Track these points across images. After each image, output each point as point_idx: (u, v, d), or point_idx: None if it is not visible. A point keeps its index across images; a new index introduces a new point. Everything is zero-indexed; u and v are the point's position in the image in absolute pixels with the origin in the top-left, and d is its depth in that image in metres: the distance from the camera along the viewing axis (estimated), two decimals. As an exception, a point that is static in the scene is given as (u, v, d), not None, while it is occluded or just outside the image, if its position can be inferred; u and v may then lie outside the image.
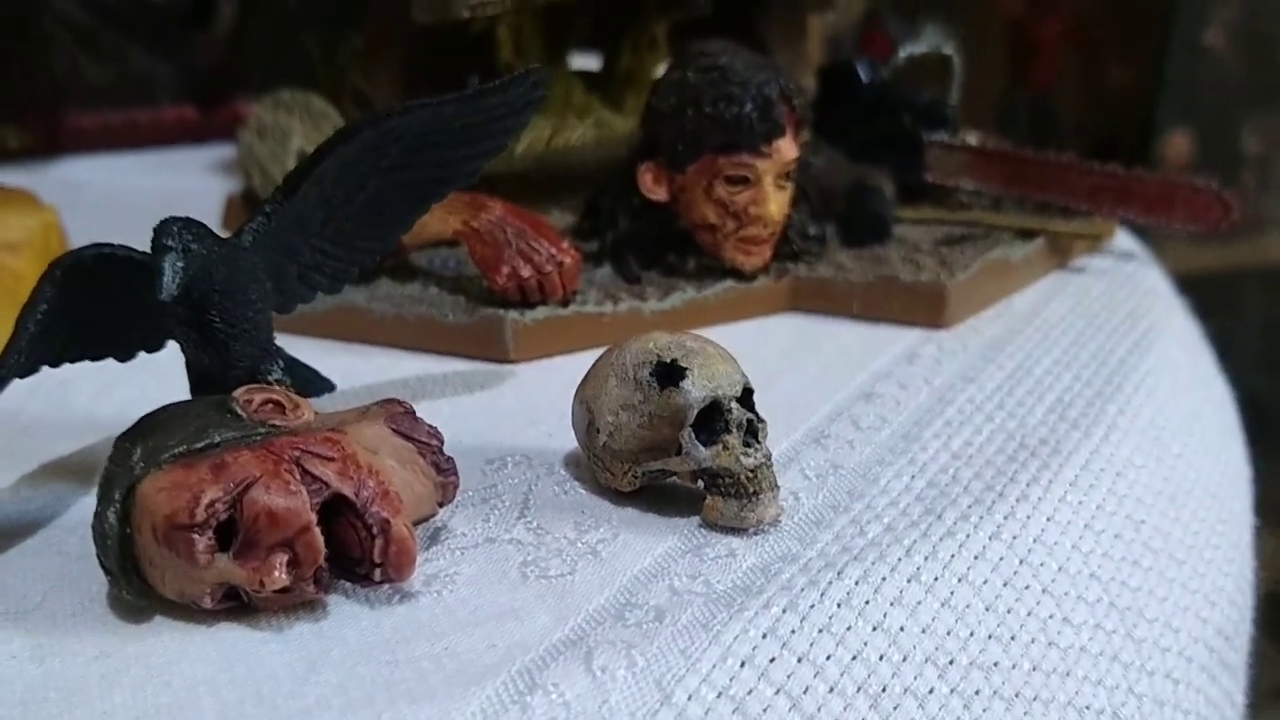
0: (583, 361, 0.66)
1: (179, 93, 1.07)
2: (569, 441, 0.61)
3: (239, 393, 0.51)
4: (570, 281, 0.70)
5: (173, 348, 0.58)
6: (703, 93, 0.71)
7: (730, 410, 0.54)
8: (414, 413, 0.53)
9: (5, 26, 1.01)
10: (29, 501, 0.58)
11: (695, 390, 0.54)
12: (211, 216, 0.94)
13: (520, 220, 0.71)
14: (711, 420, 0.54)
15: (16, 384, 0.54)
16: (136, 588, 0.48)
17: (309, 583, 0.48)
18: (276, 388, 0.52)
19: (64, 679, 0.46)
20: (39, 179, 0.89)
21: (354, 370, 0.70)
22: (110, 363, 0.59)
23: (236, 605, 0.49)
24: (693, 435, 0.53)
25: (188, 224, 0.51)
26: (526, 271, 0.69)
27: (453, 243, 0.74)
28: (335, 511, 0.49)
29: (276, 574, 0.47)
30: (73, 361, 0.57)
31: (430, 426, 0.53)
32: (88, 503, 0.56)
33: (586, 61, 1.07)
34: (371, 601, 0.50)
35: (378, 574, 0.49)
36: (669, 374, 0.54)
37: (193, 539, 0.47)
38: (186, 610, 0.49)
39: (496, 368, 0.70)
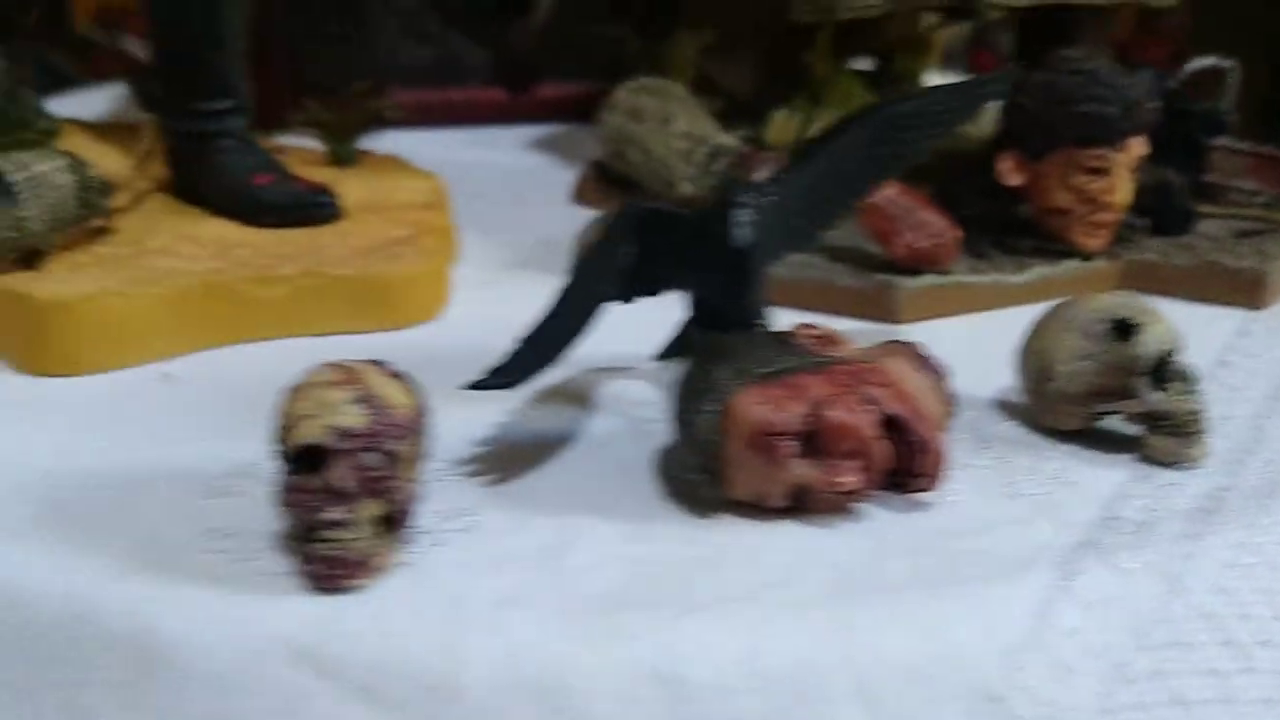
0: (958, 324, 0.76)
1: (490, 75, 1.16)
2: (988, 388, 0.70)
3: (795, 327, 0.61)
4: (953, 253, 0.80)
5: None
6: (1073, 92, 0.80)
7: (1174, 362, 0.64)
8: (926, 352, 0.62)
9: (340, 11, 1.11)
10: (557, 419, 0.67)
11: (1150, 344, 0.63)
12: (554, 190, 1.04)
13: (909, 197, 0.80)
14: (1156, 370, 0.64)
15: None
16: (718, 486, 0.58)
17: (870, 487, 0.58)
18: (820, 325, 0.61)
19: (663, 559, 0.56)
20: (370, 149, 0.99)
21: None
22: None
23: (792, 508, 0.59)
24: (1147, 382, 0.63)
25: (748, 183, 0.61)
26: (922, 242, 0.79)
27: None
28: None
29: (847, 478, 0.57)
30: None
31: (938, 362, 0.62)
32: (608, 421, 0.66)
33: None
34: (898, 508, 0.60)
35: (917, 484, 0.59)
36: (1124, 329, 0.64)
37: (779, 444, 0.56)
38: (750, 509, 0.59)
39: (889, 328, 0.80)
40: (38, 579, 0.53)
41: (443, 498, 0.59)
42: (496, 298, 0.82)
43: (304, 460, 0.54)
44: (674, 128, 0.88)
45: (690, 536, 0.57)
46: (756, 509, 0.59)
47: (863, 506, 0.60)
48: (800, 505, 0.58)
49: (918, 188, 0.83)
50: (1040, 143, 0.82)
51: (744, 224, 0.60)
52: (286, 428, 0.54)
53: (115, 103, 1.17)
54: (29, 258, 0.74)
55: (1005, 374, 0.71)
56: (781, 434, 0.56)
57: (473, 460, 0.63)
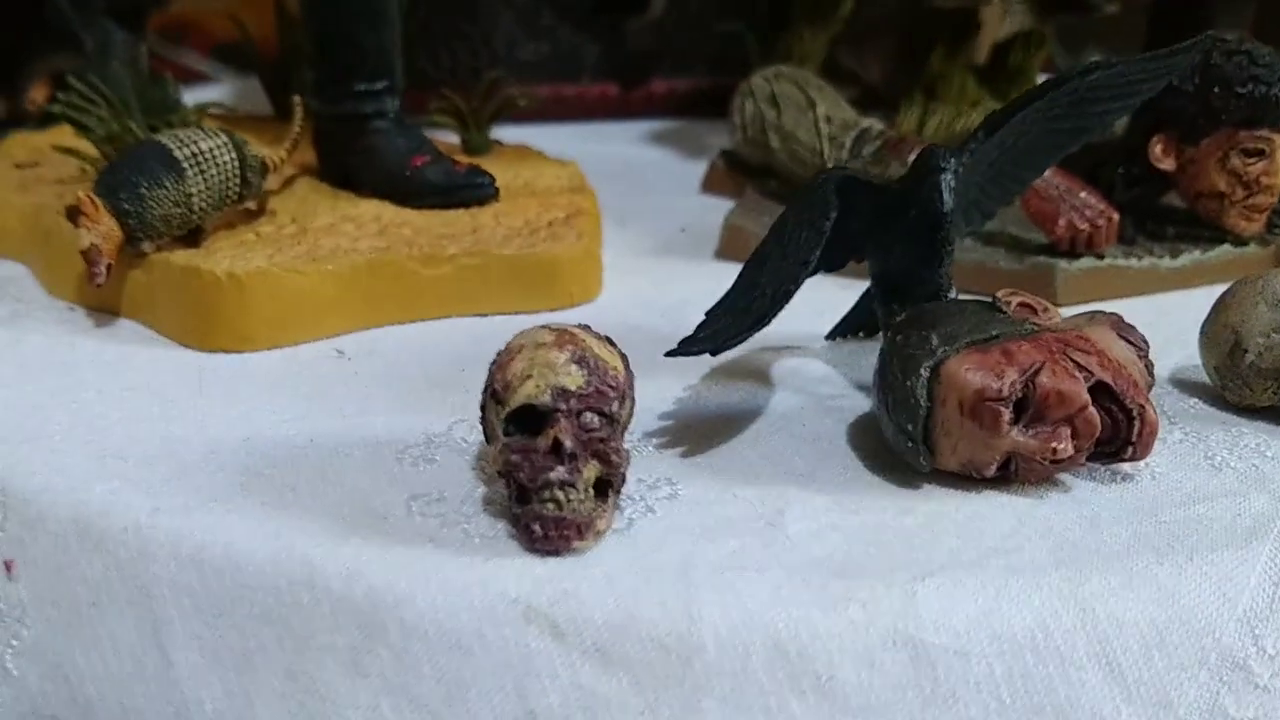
0: (1114, 309, 0.75)
1: (603, 70, 1.16)
2: (1160, 368, 0.69)
3: (1001, 294, 0.60)
4: (1112, 236, 0.79)
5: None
6: (1231, 74, 0.80)
7: (1370, 335, 0.63)
8: (1128, 323, 0.61)
9: (457, 6, 1.11)
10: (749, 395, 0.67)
11: (1349, 316, 0.62)
12: (681, 181, 1.04)
13: (1067, 178, 0.79)
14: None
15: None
16: (929, 456, 0.57)
17: (1082, 454, 0.57)
18: (1024, 293, 0.61)
19: (881, 528, 0.55)
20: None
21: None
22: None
23: (998, 478, 0.58)
24: (1345, 355, 0.62)
25: (947, 150, 0.60)
26: (1082, 224, 0.78)
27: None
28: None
29: (1062, 445, 0.56)
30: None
31: (1140, 334, 0.61)
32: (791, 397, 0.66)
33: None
34: (1103, 479, 0.59)
35: (1129, 452, 0.58)
36: (1321, 302, 0.63)
37: (999, 410, 0.55)
38: (957, 479, 0.58)
39: (1049, 310, 0.79)
40: (254, 545, 0.53)
41: (641, 467, 0.59)
42: (648, 282, 0.82)
43: (521, 421, 0.53)
44: (818, 112, 0.87)
45: (904, 506, 0.57)
46: (963, 479, 0.58)
47: (1067, 477, 0.59)
48: (1008, 475, 0.58)
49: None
50: (1198, 126, 0.82)
51: (946, 189, 0.59)
52: (504, 388, 0.54)
53: (235, 99, 1.18)
54: (191, 235, 0.74)
55: (1172, 355, 0.71)
56: (998, 400, 0.56)
57: (663, 432, 0.62)
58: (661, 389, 0.66)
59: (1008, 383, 0.56)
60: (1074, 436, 0.56)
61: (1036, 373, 0.56)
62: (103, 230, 0.71)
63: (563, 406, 0.52)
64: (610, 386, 0.54)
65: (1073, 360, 0.57)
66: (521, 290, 0.75)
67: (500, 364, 0.55)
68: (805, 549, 0.53)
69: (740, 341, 0.59)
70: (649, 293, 0.80)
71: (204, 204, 0.74)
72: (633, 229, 0.90)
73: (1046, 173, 0.79)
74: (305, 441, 0.61)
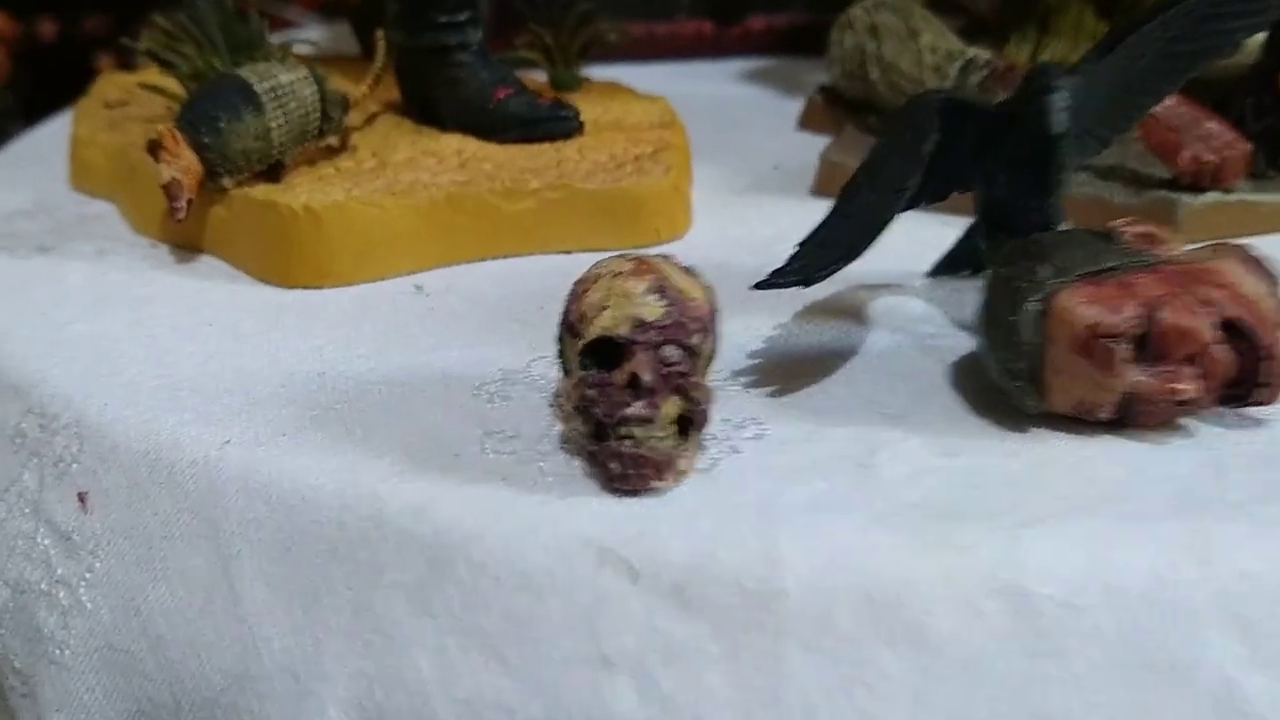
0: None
1: (697, 8, 1.13)
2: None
3: (1118, 224, 0.56)
4: (1241, 168, 0.74)
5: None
6: (1377, -9, 0.73)
7: None
8: (1258, 254, 0.57)
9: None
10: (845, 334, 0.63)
11: None
12: (777, 118, 1.00)
13: (1192, 107, 0.74)
14: None
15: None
16: (1038, 397, 0.53)
17: (1207, 396, 0.52)
18: (1145, 223, 0.56)
19: (983, 472, 0.51)
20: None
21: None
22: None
23: (1115, 421, 0.53)
24: None
25: (1060, 68, 0.56)
26: (1208, 156, 0.73)
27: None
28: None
29: (1185, 386, 0.52)
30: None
31: (1272, 266, 0.56)
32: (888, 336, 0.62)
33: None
34: (1230, 423, 0.54)
35: (1259, 394, 0.53)
36: None
37: (1113, 347, 0.51)
38: (1069, 422, 0.54)
39: (1169, 248, 0.74)
40: (323, 479, 0.51)
41: (727, 406, 0.56)
42: (739, 219, 0.78)
43: (598, 355, 0.51)
44: (921, 42, 0.83)
45: (1009, 449, 0.53)
46: (1076, 422, 0.54)
47: (1190, 421, 0.54)
48: (1125, 419, 0.53)
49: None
50: (1331, 51, 0.76)
51: (1060, 110, 0.55)
52: (580, 320, 0.51)
53: (328, 41, 1.16)
54: (272, 170, 0.73)
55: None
56: (1114, 336, 0.51)
57: (751, 370, 0.59)
58: (751, 326, 0.63)
59: (1125, 317, 0.51)
60: (1199, 377, 0.52)
61: (1157, 307, 0.52)
62: (183, 164, 0.70)
63: (640, 338, 0.49)
64: (691, 318, 0.50)
65: (1198, 294, 0.52)
66: (606, 226, 0.72)
67: (576, 294, 0.52)
68: (899, 492, 0.49)
69: (830, 273, 0.56)
70: (739, 230, 0.77)
71: (284, 138, 0.72)
72: (724, 166, 0.86)
73: (1169, 100, 0.74)
74: (379, 377, 0.59)
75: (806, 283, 0.55)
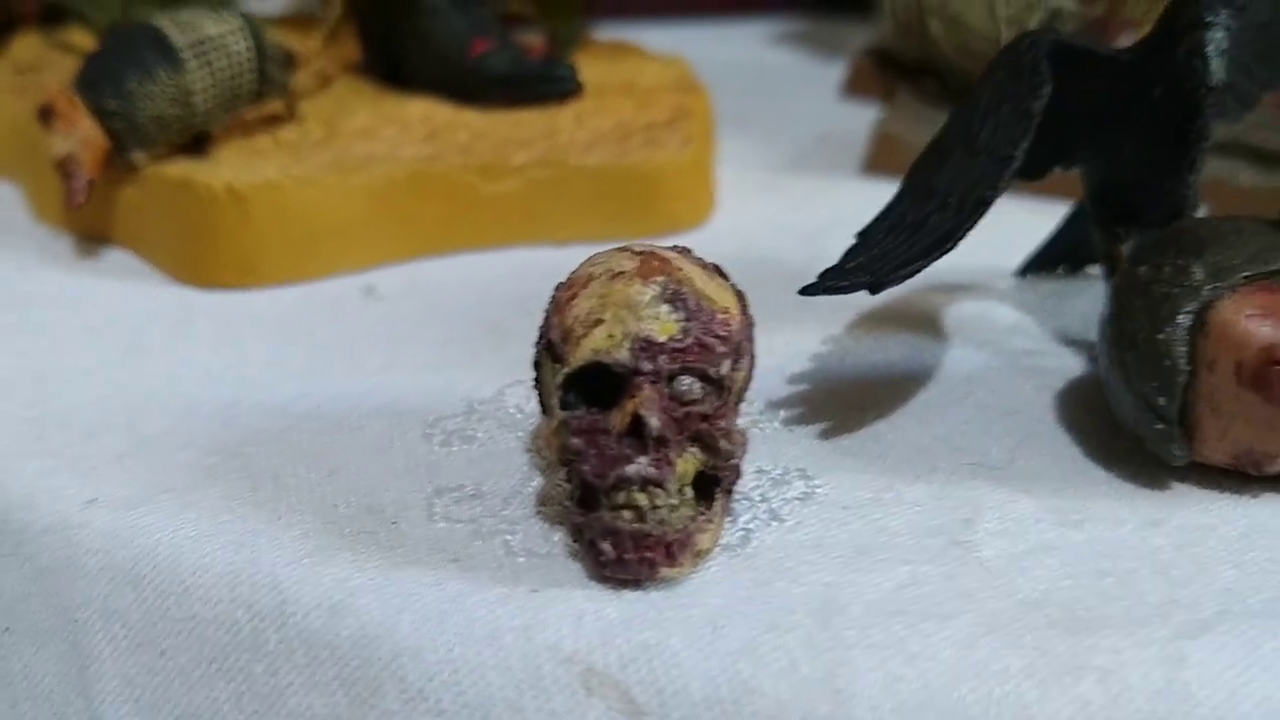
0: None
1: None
2: None
3: (1294, 209, 0.42)
4: (1403, 140, 0.60)
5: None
6: None
7: None
8: None
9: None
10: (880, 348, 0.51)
11: None
12: (817, 84, 0.87)
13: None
14: None
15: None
16: (1184, 442, 0.40)
17: None
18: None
19: (1118, 549, 0.37)
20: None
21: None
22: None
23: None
24: None
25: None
26: (1366, 123, 0.59)
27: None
28: None
29: (1400, 431, 0.38)
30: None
31: None
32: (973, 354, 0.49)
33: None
34: None
35: None
36: None
37: (1295, 378, 0.38)
38: (1228, 477, 0.40)
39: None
40: (211, 558, 0.38)
41: (764, 453, 0.42)
42: (777, 202, 0.65)
43: (587, 387, 0.37)
44: (993, -9, 0.69)
45: (1150, 515, 0.39)
46: (1235, 476, 0.40)
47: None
48: (1297, 472, 0.40)
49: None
50: None
51: (1217, 53, 0.41)
52: (563, 338, 0.37)
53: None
54: (197, 141, 0.60)
55: None
56: (1296, 362, 0.38)
57: (796, 402, 0.46)
58: (793, 342, 0.49)
59: (1312, 337, 0.38)
60: None
61: (1359, 323, 0.38)
62: (81, 135, 0.57)
63: (648, 367, 0.35)
64: (718, 337, 0.37)
65: None
66: (609, 211, 0.59)
67: (559, 302, 0.38)
68: (1009, 582, 0.36)
69: (912, 274, 0.42)
70: (778, 216, 0.63)
71: (209, 103, 0.58)
72: (757, 139, 0.73)
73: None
74: (305, 409, 0.45)
75: (876, 287, 0.41)
